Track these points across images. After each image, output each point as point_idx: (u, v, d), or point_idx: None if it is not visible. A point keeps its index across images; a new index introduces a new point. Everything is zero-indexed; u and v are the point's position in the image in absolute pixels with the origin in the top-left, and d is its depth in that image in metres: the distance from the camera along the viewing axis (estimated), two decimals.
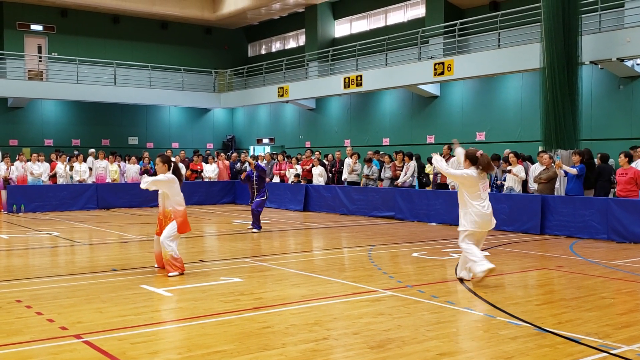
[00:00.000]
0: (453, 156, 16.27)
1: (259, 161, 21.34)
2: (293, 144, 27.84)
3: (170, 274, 8.57)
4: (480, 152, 8.17)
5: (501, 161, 15.35)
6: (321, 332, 5.77)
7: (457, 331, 5.80)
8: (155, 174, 9.06)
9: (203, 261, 9.95)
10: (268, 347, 5.31)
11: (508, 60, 17.85)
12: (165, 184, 8.70)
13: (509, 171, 14.47)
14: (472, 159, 8.14)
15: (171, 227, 8.65)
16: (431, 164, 16.06)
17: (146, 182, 8.78)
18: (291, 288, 7.77)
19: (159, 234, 8.80)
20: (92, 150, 22.96)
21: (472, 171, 8.08)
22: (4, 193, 18.63)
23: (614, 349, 5.29)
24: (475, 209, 8.03)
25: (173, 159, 9.09)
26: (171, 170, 8.75)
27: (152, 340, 5.57)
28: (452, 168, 8.79)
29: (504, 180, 14.78)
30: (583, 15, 15.37)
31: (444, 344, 5.39)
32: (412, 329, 5.87)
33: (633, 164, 12.82)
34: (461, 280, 8.21)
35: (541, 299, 7.28)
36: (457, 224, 14.69)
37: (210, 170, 22.31)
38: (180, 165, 18.10)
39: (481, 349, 5.29)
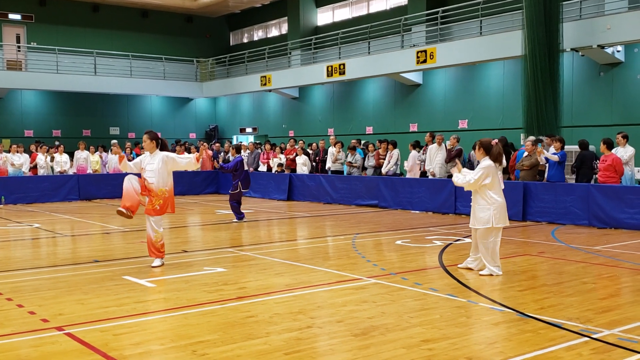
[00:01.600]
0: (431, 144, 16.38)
1: (242, 150, 21.31)
2: (276, 133, 27.75)
3: (154, 264, 8.48)
4: (495, 141, 7.98)
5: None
6: (305, 320, 5.77)
7: (441, 317, 5.83)
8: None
9: (186, 251, 9.91)
10: (252, 336, 5.30)
11: (490, 48, 17.89)
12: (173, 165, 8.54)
13: None
14: (487, 148, 7.83)
15: (166, 210, 8.48)
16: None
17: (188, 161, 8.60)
18: (275, 277, 7.76)
19: (148, 212, 8.47)
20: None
21: (488, 161, 7.78)
22: None
23: (595, 333, 5.35)
24: (495, 202, 7.70)
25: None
26: (159, 147, 8.56)
27: (135, 331, 5.53)
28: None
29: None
30: (564, 3, 15.46)
31: (428, 331, 5.42)
32: (396, 316, 5.89)
33: (614, 150, 12.93)
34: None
35: (523, 284, 7.34)
36: (440, 212, 14.89)
37: None
38: None
39: (464, 335, 5.32)
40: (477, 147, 7.97)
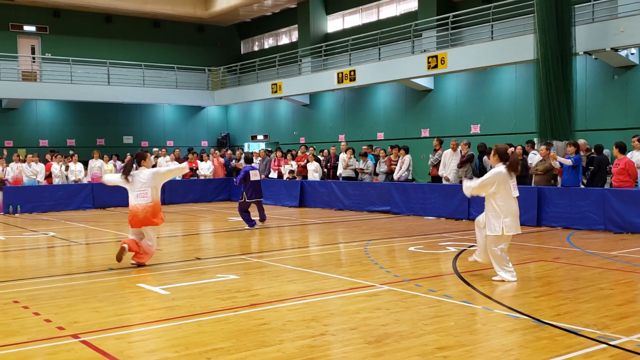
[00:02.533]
0: (440, 149, 16.32)
1: (253, 158, 21.33)
2: (287, 140, 27.80)
3: (133, 262, 9.13)
4: (512, 149, 7.89)
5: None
6: (318, 327, 5.75)
7: (455, 325, 5.79)
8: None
9: (199, 259, 9.93)
10: (265, 343, 5.29)
11: (501, 52, 17.83)
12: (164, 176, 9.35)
13: None
14: (502, 155, 7.71)
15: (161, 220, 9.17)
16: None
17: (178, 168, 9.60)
18: (288, 284, 7.75)
19: (141, 224, 9.06)
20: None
21: (501, 167, 7.67)
22: (0, 194, 18.59)
23: (613, 340, 5.29)
24: (506, 210, 7.61)
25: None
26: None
27: (149, 338, 5.55)
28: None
29: None
30: (576, 6, 15.38)
31: (442, 338, 5.38)
32: (410, 323, 5.85)
33: (629, 154, 12.82)
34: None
35: (539, 291, 7.28)
36: (453, 217, 14.82)
37: (205, 168, 22.26)
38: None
39: (479, 342, 5.28)
40: (492, 153, 7.90)
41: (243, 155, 14.68)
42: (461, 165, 15.47)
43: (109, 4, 27.55)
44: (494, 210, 7.68)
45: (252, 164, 14.29)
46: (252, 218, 14.00)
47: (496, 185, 7.60)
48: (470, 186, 7.86)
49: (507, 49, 17.60)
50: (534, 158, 14.20)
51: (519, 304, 6.58)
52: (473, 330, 5.63)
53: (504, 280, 7.68)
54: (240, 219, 14.26)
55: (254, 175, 13.86)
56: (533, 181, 14.24)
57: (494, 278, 7.81)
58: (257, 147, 29.19)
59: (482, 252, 8.13)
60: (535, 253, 10.08)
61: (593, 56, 16.58)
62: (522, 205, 13.42)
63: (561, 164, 13.40)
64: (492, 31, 18.87)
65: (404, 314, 6.23)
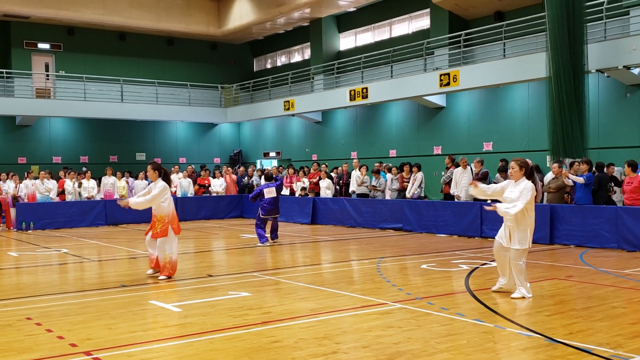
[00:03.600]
0: (452, 167, 16.29)
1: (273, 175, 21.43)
2: (300, 157, 27.87)
3: (160, 277, 9.31)
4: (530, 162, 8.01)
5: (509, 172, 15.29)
6: (330, 346, 5.74)
7: (468, 343, 5.76)
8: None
9: (211, 276, 9.94)
10: None
11: (514, 70, 17.84)
12: (159, 198, 9.45)
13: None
14: (528, 170, 7.78)
15: (168, 232, 9.43)
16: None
17: (137, 203, 9.54)
18: (300, 302, 7.75)
19: (153, 236, 9.56)
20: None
21: (529, 182, 7.75)
22: (13, 211, 18.71)
23: (627, 359, 5.24)
24: (532, 224, 7.74)
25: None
26: (162, 177, 9.60)
27: (161, 356, 5.56)
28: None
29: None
30: (588, 24, 15.37)
31: (455, 357, 5.36)
32: (422, 342, 5.83)
33: None
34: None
35: (552, 309, 7.23)
36: (465, 235, 14.77)
37: (217, 185, 22.34)
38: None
39: None
40: (513, 167, 7.83)
41: (264, 172, 15.04)
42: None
43: (123, 21, 27.89)
44: (525, 223, 7.70)
45: (271, 182, 14.36)
46: (265, 235, 14.04)
47: (531, 200, 7.68)
48: (510, 212, 7.67)
49: (520, 67, 17.61)
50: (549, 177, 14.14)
51: (532, 322, 6.54)
52: (486, 348, 5.60)
53: (524, 297, 7.65)
54: (252, 235, 14.30)
55: (268, 193, 14.01)
56: (546, 199, 14.18)
57: (513, 295, 7.76)
58: (269, 164, 29.28)
59: (507, 274, 8.00)
60: (548, 271, 10.01)
61: (605, 74, 16.56)
62: (535, 222, 13.43)
63: (574, 181, 13.35)
64: (504, 49, 18.90)
65: (417, 332, 6.21)
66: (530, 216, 7.73)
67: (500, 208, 7.79)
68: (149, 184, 18.32)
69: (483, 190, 8.24)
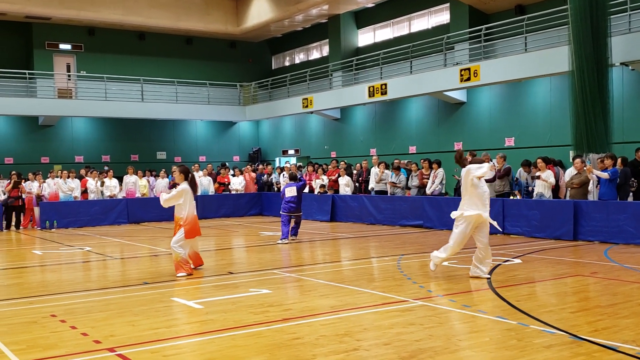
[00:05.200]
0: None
1: (284, 172, 21.52)
2: (318, 154, 27.86)
3: (178, 274, 9.52)
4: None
5: (531, 167, 15.16)
6: (351, 342, 5.72)
7: (490, 340, 5.71)
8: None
9: (232, 273, 9.97)
10: (298, 358, 5.28)
11: (536, 64, 17.63)
12: (177, 198, 9.67)
13: (538, 177, 14.27)
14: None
15: (180, 234, 9.68)
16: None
17: (163, 200, 9.84)
18: (320, 299, 7.73)
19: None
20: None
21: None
22: (37, 210, 18.94)
23: None
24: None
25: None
26: (188, 180, 9.81)
27: (184, 352, 5.58)
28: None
29: (534, 186, 14.59)
30: (612, 16, 15.14)
31: (477, 354, 5.31)
32: (444, 339, 5.79)
33: None
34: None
35: (576, 306, 7.14)
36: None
37: (237, 183, 22.41)
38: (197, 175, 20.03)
39: (515, 359, 5.19)
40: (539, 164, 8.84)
41: (289, 173, 15.58)
42: (500, 178, 15.29)
43: (143, 21, 28.08)
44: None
45: (294, 182, 14.64)
46: (287, 233, 14.12)
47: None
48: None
49: (542, 61, 17.40)
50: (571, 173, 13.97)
51: (556, 319, 6.46)
52: (508, 346, 5.54)
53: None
54: (272, 233, 14.38)
55: (289, 192, 14.34)
56: (569, 195, 14.02)
57: (472, 274, 8.81)
58: (288, 162, 29.32)
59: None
60: (572, 268, 9.89)
61: (630, 67, 16.31)
62: (558, 219, 13.32)
63: (598, 177, 13.17)
64: (525, 43, 18.69)
65: (438, 329, 6.16)
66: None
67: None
68: (170, 181, 18.61)
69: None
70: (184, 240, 9.70)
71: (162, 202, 9.84)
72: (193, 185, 9.91)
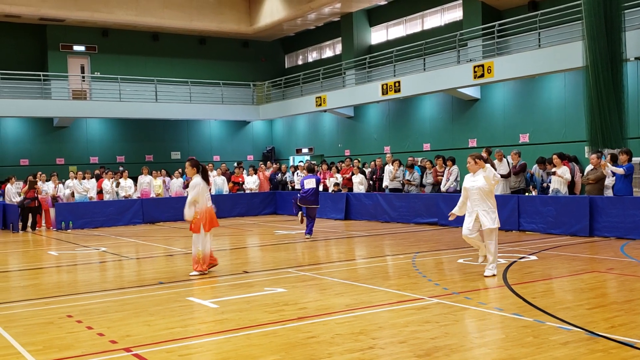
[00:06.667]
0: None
1: (297, 171, 21.56)
2: (332, 152, 27.85)
3: (191, 274, 9.60)
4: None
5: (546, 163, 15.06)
6: (367, 341, 5.72)
7: (506, 337, 5.68)
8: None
9: (247, 272, 10.00)
10: (314, 357, 5.29)
11: (549, 60, 17.51)
12: (196, 196, 9.67)
13: (554, 173, 14.17)
14: (483, 161, 8.92)
15: (200, 229, 9.70)
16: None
17: (186, 214, 9.84)
18: (335, 297, 7.73)
19: (190, 229, 9.89)
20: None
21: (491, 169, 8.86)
22: (52, 211, 19.10)
23: None
24: (495, 206, 8.97)
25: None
26: (200, 174, 9.83)
27: (200, 352, 5.61)
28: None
29: (550, 182, 14.49)
30: (626, 11, 15.00)
31: (493, 352, 5.29)
32: (460, 337, 5.77)
33: None
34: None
35: (592, 302, 7.09)
36: (503, 229, 14.58)
37: (251, 182, 22.47)
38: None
39: (531, 356, 5.17)
40: (470, 161, 8.92)
41: (306, 166, 16.08)
42: (515, 174, 15.21)
43: (156, 22, 28.21)
44: (491, 205, 8.83)
45: (312, 174, 15.15)
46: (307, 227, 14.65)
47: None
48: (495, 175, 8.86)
49: (555, 57, 17.27)
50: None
51: (572, 316, 6.42)
52: (525, 343, 5.52)
53: (494, 275, 8.72)
54: (287, 232, 14.53)
55: (308, 184, 14.66)
56: (585, 190, 13.91)
57: (486, 274, 8.72)
58: (302, 160, 29.32)
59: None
60: (588, 264, 9.82)
61: None
62: (574, 215, 13.23)
63: (613, 172, 13.06)
64: (539, 39, 18.55)
65: (454, 327, 6.14)
66: (494, 201, 8.91)
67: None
68: (185, 181, 18.62)
69: (460, 209, 9.20)
70: (203, 236, 9.72)
71: (187, 214, 9.77)
72: (206, 177, 9.92)
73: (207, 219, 9.76)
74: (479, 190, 8.76)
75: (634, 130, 16.10)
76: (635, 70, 16.81)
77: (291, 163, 28.89)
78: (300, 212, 14.66)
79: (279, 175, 23.34)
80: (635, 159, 14.12)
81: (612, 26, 14.47)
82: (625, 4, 14.92)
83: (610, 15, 14.44)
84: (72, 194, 20.00)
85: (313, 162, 24.73)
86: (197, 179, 9.80)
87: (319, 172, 21.29)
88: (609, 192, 13.38)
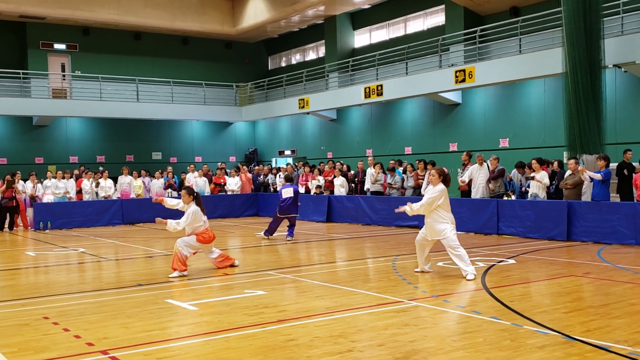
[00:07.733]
0: (469, 164, 16.19)
1: (280, 173, 21.54)
2: (315, 155, 27.88)
3: (170, 275, 9.62)
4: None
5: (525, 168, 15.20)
6: (346, 344, 5.73)
7: (484, 341, 5.73)
8: (180, 185, 10.17)
9: (227, 274, 9.97)
10: (293, 359, 5.29)
11: (530, 65, 17.70)
12: (189, 221, 10.02)
13: (533, 177, 14.31)
14: (445, 178, 9.37)
15: (191, 237, 10.03)
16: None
17: (173, 228, 10.07)
18: (315, 300, 7.74)
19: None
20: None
21: (442, 186, 9.38)
22: (30, 210, 18.88)
23: None
24: (449, 217, 9.54)
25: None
26: (195, 202, 10.20)
27: (178, 354, 5.58)
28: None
29: (528, 186, 14.63)
30: (605, 19, 15.20)
31: (471, 355, 5.32)
32: (438, 340, 5.80)
33: None
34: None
35: (569, 306, 7.16)
36: (482, 232, 14.68)
37: (233, 184, 22.39)
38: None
39: (509, 359, 5.21)
40: (433, 174, 9.39)
41: (285, 175, 16.29)
42: (493, 179, 15.33)
43: (138, 21, 28.04)
44: (439, 217, 9.41)
45: (290, 183, 15.30)
46: (269, 232, 14.91)
47: (443, 198, 9.33)
48: (420, 205, 9.55)
49: (536, 63, 17.47)
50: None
51: (549, 319, 6.48)
52: (502, 346, 5.56)
53: (475, 275, 8.87)
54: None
55: (286, 193, 14.80)
56: (563, 195, 14.06)
57: (469, 278, 8.80)
58: (284, 162, 29.30)
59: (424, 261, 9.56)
60: (565, 268, 9.93)
61: (622, 69, 16.38)
62: (552, 219, 13.36)
63: (591, 178, 13.22)
64: (520, 45, 18.75)
65: (432, 330, 6.18)
66: (443, 213, 9.34)
67: (406, 207, 9.74)
68: (166, 182, 18.47)
69: (418, 209, 9.61)
70: (194, 243, 9.98)
71: (171, 228, 10.03)
72: (200, 204, 10.26)
73: (202, 236, 10.09)
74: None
75: (612, 136, 16.33)
76: (614, 77, 17.05)
77: (274, 165, 28.87)
78: (269, 236, 14.89)
79: (261, 176, 23.30)
80: (612, 165, 14.32)
81: (592, 34, 14.66)
82: (604, 12, 15.12)
83: (589, 22, 14.63)
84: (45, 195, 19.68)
85: (295, 166, 24.73)
86: (193, 207, 10.13)
87: (301, 175, 21.32)
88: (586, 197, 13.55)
